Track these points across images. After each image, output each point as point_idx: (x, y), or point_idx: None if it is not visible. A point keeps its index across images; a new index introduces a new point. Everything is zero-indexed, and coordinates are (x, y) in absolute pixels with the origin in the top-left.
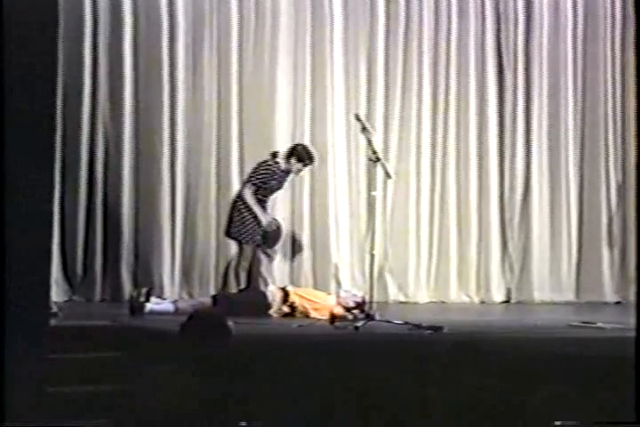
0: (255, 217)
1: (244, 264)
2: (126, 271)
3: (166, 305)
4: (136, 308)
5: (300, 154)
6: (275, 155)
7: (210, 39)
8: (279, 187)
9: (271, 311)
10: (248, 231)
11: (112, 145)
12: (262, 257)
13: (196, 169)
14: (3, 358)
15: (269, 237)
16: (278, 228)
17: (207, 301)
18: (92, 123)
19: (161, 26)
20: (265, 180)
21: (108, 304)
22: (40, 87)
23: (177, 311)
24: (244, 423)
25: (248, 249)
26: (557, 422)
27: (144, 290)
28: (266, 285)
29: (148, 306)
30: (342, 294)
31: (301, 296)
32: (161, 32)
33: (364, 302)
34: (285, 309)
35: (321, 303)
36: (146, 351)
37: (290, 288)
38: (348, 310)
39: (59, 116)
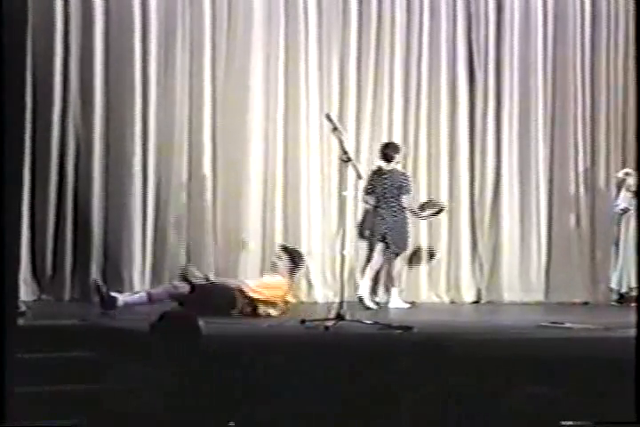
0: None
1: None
2: (96, 271)
3: (139, 295)
4: (108, 302)
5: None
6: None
7: (182, 37)
8: None
9: (234, 311)
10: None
11: (83, 144)
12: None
13: (168, 168)
14: None
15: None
16: None
17: (183, 286)
18: (62, 122)
19: (133, 23)
20: None
21: (78, 304)
22: (9, 86)
23: (151, 299)
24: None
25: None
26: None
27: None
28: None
29: (120, 299)
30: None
31: (258, 288)
32: (133, 29)
33: (294, 253)
34: (248, 308)
35: (277, 289)
36: (116, 351)
37: (244, 286)
38: (292, 271)
39: (28, 116)
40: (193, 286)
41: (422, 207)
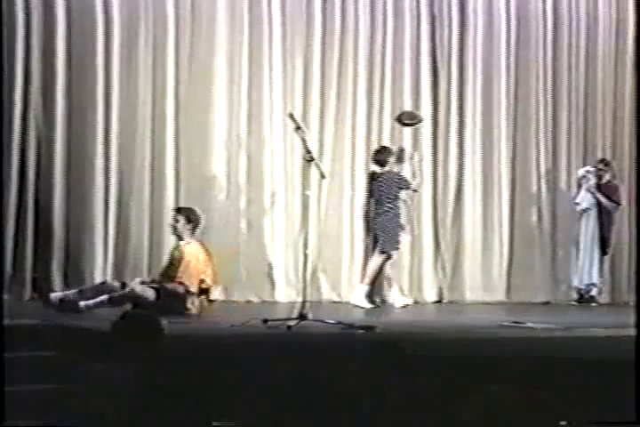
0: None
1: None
2: (57, 271)
3: (100, 299)
4: (71, 307)
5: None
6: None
7: (145, 37)
8: None
9: (190, 306)
10: None
11: (44, 143)
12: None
13: (130, 168)
14: None
15: None
16: None
17: (145, 291)
18: (23, 122)
19: (95, 23)
20: None
21: (38, 303)
22: None
23: (112, 301)
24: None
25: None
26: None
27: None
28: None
29: (82, 303)
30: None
31: (188, 271)
32: (95, 29)
33: (189, 212)
34: (197, 296)
35: (206, 261)
36: (78, 350)
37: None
38: (192, 230)
39: None
40: (158, 293)
41: (399, 119)
